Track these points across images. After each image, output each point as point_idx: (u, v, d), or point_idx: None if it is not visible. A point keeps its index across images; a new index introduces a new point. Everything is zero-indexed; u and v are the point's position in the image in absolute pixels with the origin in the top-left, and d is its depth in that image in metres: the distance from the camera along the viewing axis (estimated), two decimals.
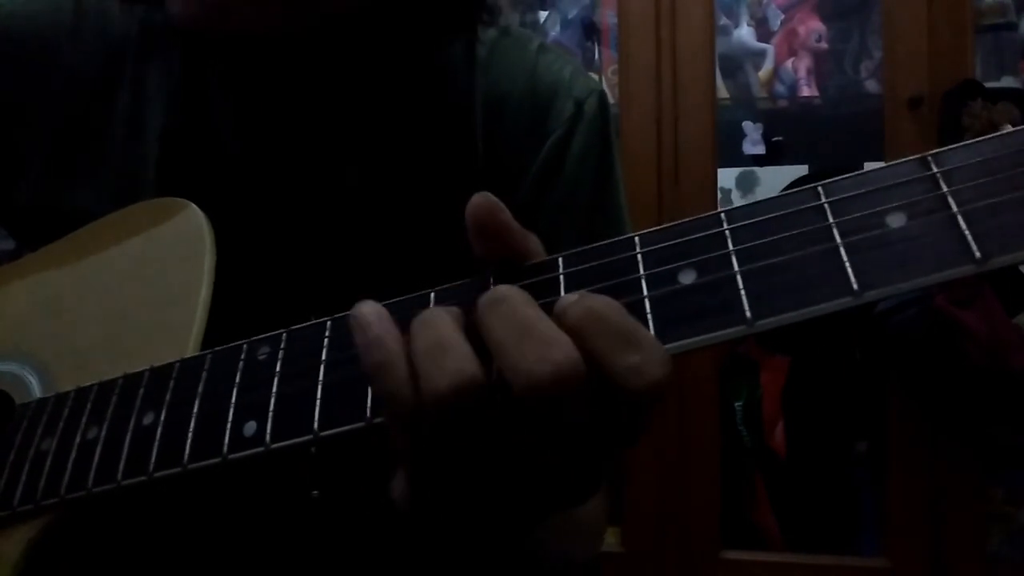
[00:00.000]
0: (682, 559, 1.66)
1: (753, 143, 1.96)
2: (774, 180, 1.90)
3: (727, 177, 1.88)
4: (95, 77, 0.65)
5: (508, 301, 0.34)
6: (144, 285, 0.55)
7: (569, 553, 0.58)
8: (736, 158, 1.93)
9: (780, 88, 1.95)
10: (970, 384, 1.45)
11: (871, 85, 1.88)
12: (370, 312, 0.36)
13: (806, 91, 1.93)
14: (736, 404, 1.78)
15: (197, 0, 0.56)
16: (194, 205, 0.56)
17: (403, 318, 0.39)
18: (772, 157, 1.96)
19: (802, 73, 1.92)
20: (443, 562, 0.47)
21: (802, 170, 1.88)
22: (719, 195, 1.75)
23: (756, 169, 1.93)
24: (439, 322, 0.35)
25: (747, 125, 1.96)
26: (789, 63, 1.94)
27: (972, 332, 1.43)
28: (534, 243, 0.40)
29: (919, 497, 1.58)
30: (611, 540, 1.66)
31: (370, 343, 0.36)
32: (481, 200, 0.38)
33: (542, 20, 2.03)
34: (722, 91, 1.88)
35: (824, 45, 1.93)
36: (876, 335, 1.54)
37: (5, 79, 0.65)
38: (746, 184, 1.92)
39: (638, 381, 0.32)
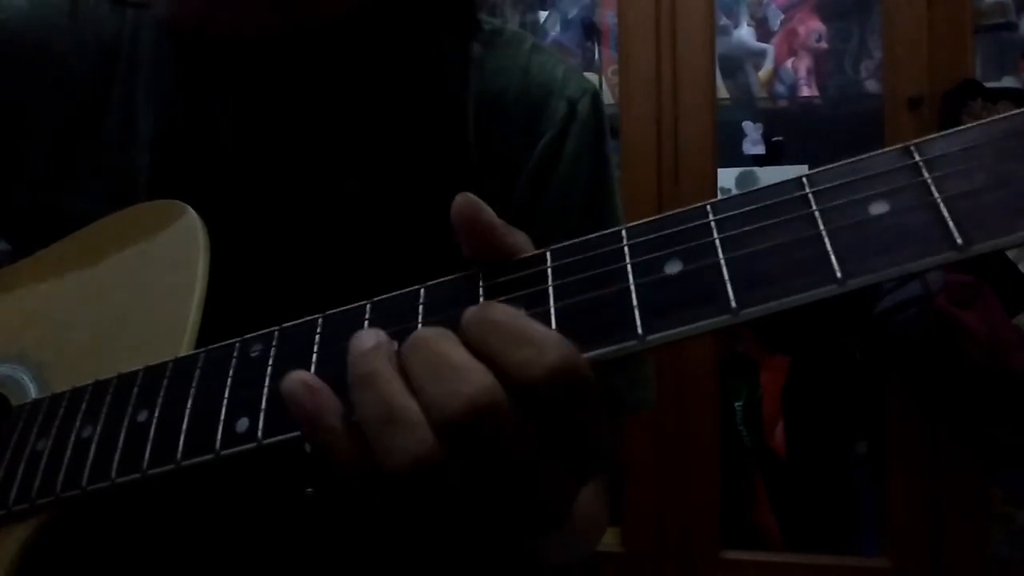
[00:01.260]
0: (682, 559, 1.65)
1: (753, 143, 1.96)
2: (774, 180, 1.86)
3: (727, 177, 1.87)
4: (91, 78, 0.65)
5: (424, 341, 0.35)
6: (139, 287, 0.55)
7: (567, 551, 0.58)
8: (736, 158, 1.93)
9: (780, 88, 1.95)
10: (970, 384, 1.45)
11: (871, 85, 1.88)
12: (298, 386, 0.36)
13: (806, 91, 1.93)
14: (736, 404, 1.77)
15: (180, 3, 0.56)
16: (189, 207, 0.56)
17: (393, 315, 0.39)
18: (772, 157, 1.95)
19: (802, 73, 1.92)
20: (439, 562, 0.47)
21: (802, 170, 1.82)
22: (719, 195, 1.74)
23: (756, 169, 1.93)
24: (378, 381, 0.35)
25: (747, 125, 1.96)
26: (789, 63, 1.94)
27: (972, 332, 1.43)
28: (519, 238, 0.40)
29: (919, 497, 1.57)
30: (611, 540, 1.66)
31: (309, 419, 0.36)
32: (463, 200, 0.39)
33: (542, 20, 2.02)
34: (722, 91, 1.88)
35: (824, 45, 1.93)
36: (876, 335, 1.54)
37: (3, 80, 0.66)
38: (746, 184, 1.91)
39: (535, 371, 0.33)
